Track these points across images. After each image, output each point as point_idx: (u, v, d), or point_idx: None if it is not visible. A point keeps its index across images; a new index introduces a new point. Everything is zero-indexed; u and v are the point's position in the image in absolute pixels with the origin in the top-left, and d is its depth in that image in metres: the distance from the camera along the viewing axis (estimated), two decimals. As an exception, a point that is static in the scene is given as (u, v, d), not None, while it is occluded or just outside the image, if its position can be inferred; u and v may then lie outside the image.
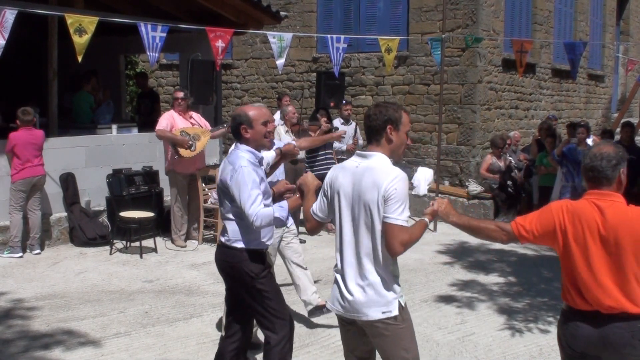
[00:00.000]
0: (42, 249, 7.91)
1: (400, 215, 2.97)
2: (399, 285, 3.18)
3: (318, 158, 9.12)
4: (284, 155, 4.60)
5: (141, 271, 7.21)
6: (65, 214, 8.41)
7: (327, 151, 9.20)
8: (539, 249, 8.30)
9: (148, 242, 8.02)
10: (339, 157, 9.49)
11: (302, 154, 8.86)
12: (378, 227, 3.02)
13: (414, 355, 3.15)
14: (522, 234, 3.05)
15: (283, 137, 7.97)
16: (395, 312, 3.07)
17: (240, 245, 3.70)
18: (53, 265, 7.41)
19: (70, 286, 6.59)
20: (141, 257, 7.74)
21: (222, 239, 3.80)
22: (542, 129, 10.72)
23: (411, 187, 10.88)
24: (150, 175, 8.98)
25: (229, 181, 3.66)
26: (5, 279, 6.78)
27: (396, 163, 3.19)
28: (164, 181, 8.89)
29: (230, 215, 3.74)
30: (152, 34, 7.65)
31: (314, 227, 3.39)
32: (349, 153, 9.59)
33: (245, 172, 3.61)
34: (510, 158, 10.46)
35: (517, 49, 10.13)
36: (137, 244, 7.92)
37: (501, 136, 10.75)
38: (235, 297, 3.85)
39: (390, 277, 3.12)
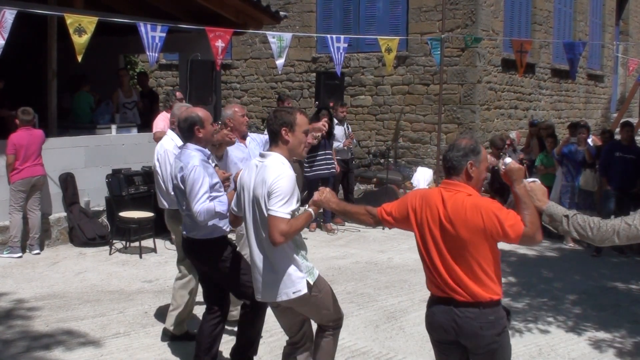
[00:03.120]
0: (41, 249, 7.91)
1: (280, 208, 3.26)
2: (304, 263, 3.47)
3: (317, 158, 9.12)
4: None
5: (140, 271, 7.20)
6: (65, 214, 8.41)
7: (326, 151, 9.20)
8: (540, 249, 8.31)
9: (147, 242, 8.02)
10: (337, 157, 9.49)
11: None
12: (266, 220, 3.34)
13: (336, 310, 3.63)
14: (384, 218, 3.23)
15: None
16: (305, 291, 3.42)
17: (206, 237, 4.07)
18: (52, 265, 7.40)
19: (70, 286, 6.58)
20: (140, 257, 7.73)
21: (187, 234, 4.16)
22: (541, 128, 10.72)
23: (411, 187, 10.89)
24: (149, 175, 8.95)
25: (180, 179, 3.99)
26: (4, 279, 6.78)
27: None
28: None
29: (185, 210, 4.08)
30: (152, 34, 7.65)
31: (231, 220, 3.85)
32: (344, 152, 9.61)
33: (197, 171, 3.92)
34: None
35: (517, 49, 10.14)
36: (136, 244, 7.92)
37: (501, 136, 10.75)
38: (209, 279, 4.25)
39: (290, 261, 3.41)
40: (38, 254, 7.78)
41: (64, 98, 10.16)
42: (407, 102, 11.79)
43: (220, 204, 3.96)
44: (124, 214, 8.00)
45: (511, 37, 11.49)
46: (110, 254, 7.90)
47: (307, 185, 9.22)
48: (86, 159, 8.77)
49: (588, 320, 5.73)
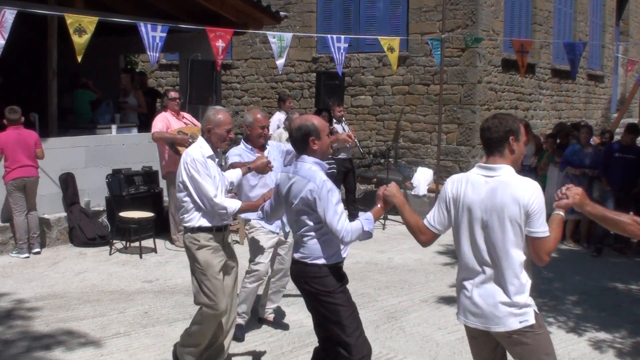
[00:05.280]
0: (41, 247, 7.92)
1: (544, 228, 2.99)
2: (531, 294, 3.12)
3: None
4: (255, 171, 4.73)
5: (141, 271, 7.21)
6: (65, 214, 8.41)
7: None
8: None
9: (147, 242, 8.02)
10: (338, 157, 9.50)
11: None
12: (515, 240, 3.01)
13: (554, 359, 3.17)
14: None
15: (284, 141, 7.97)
16: (532, 321, 3.06)
17: (321, 261, 3.57)
18: (53, 265, 7.41)
19: (70, 286, 6.59)
20: (141, 257, 7.73)
21: (298, 256, 3.64)
22: (559, 131, 10.65)
23: (411, 187, 10.89)
24: (149, 176, 8.97)
25: (310, 197, 3.50)
26: (5, 279, 6.78)
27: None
28: (163, 181, 8.89)
29: (310, 232, 3.58)
30: (152, 34, 7.65)
31: (430, 239, 3.32)
32: (344, 150, 9.62)
33: (329, 186, 3.52)
34: None
35: (517, 49, 10.13)
36: (136, 244, 7.92)
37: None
38: (313, 311, 3.74)
39: (523, 286, 3.07)
40: (39, 252, 7.79)
41: (63, 98, 10.16)
42: (408, 102, 11.78)
43: (368, 222, 3.55)
44: (124, 214, 8.00)
45: (511, 37, 11.48)
46: (110, 254, 7.90)
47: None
48: (86, 159, 8.77)
49: (588, 321, 5.74)
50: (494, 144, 3.11)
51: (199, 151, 4.27)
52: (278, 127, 9.60)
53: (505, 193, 3.01)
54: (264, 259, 5.13)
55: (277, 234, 5.19)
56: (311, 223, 3.56)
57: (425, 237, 3.31)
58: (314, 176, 3.52)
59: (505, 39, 11.64)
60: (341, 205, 3.52)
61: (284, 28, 12.03)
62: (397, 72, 11.60)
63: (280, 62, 8.99)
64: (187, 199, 4.30)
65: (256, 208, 4.30)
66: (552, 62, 13.89)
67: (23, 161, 7.59)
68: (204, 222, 4.28)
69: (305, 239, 3.60)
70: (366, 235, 3.54)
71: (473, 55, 11.08)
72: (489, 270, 3.07)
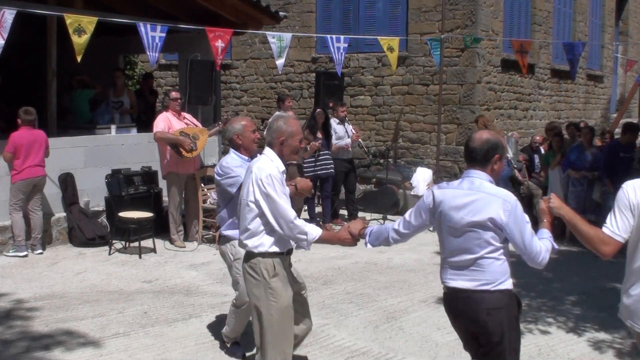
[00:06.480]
0: (43, 248, 7.91)
1: None
2: None
3: (319, 159, 9.14)
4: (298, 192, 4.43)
5: (140, 271, 7.20)
6: (64, 214, 8.41)
7: (326, 151, 9.23)
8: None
9: (147, 243, 8.02)
10: (339, 157, 9.49)
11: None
12: None
13: None
14: None
15: None
16: None
17: (505, 286, 3.27)
18: (52, 265, 7.40)
19: (69, 286, 6.58)
20: (140, 257, 7.73)
21: (474, 285, 3.25)
22: (548, 129, 10.69)
23: (410, 187, 10.89)
24: (149, 176, 8.97)
25: (502, 216, 3.19)
26: (4, 279, 6.78)
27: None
28: (162, 181, 8.88)
29: (494, 254, 3.24)
30: (152, 34, 7.66)
31: (614, 250, 3.17)
32: (346, 152, 9.62)
33: (520, 206, 3.25)
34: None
35: (517, 49, 10.14)
36: (136, 244, 7.91)
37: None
38: (473, 342, 3.36)
39: None
40: (41, 253, 7.78)
41: (63, 98, 10.16)
42: (407, 102, 11.79)
43: (551, 238, 3.32)
44: (124, 214, 8.00)
45: (511, 37, 11.50)
46: (109, 254, 7.90)
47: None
48: (86, 159, 8.76)
49: (588, 321, 5.74)
50: None
51: (273, 166, 3.72)
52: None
53: None
54: None
55: None
56: (497, 244, 3.24)
57: (609, 248, 3.13)
58: (505, 194, 3.25)
59: (504, 39, 11.65)
60: (530, 225, 3.25)
61: (283, 28, 12.03)
62: (396, 72, 11.61)
63: (279, 62, 8.99)
64: (257, 220, 3.71)
65: (338, 240, 3.85)
66: (552, 62, 13.91)
67: (33, 161, 7.62)
68: (276, 248, 3.74)
69: (485, 262, 3.24)
70: (553, 251, 3.33)
71: (472, 56, 11.08)
72: None
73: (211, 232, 8.55)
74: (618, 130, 13.18)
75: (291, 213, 3.68)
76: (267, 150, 3.82)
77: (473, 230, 3.24)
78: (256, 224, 3.71)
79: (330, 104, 10.03)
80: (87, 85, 10.39)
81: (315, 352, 4.97)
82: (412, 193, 10.77)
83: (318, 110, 9.37)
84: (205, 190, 8.61)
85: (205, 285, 6.69)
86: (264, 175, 3.65)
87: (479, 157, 3.34)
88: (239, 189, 4.18)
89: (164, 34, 7.76)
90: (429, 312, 5.92)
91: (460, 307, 3.32)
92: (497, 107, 11.91)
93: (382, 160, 11.76)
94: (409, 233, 3.56)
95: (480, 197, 3.25)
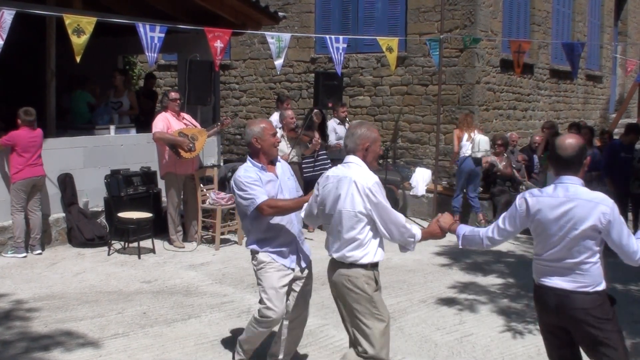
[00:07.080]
0: (42, 249, 7.91)
1: None
2: None
3: (319, 159, 9.14)
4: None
5: (139, 272, 7.20)
6: (63, 214, 8.40)
7: (325, 152, 9.23)
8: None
9: (146, 243, 8.02)
10: (338, 157, 9.50)
11: (296, 158, 8.87)
12: None
13: None
14: None
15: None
16: None
17: (601, 287, 3.35)
18: (51, 266, 7.40)
19: (69, 287, 6.58)
20: (139, 257, 7.73)
21: (574, 287, 3.34)
22: (545, 128, 10.70)
23: (409, 187, 10.89)
24: (148, 176, 8.97)
25: (602, 220, 3.26)
26: (3, 279, 6.78)
27: None
28: (162, 182, 8.88)
29: (591, 258, 3.33)
30: (151, 34, 7.65)
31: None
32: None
33: (615, 207, 3.32)
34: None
35: (515, 50, 10.15)
36: (135, 244, 7.91)
37: (501, 136, 10.74)
38: (586, 340, 3.43)
39: None
40: (40, 254, 7.78)
41: (62, 98, 10.15)
42: (406, 102, 11.79)
43: None
44: (123, 214, 8.00)
45: (510, 37, 11.50)
46: (108, 254, 7.90)
47: (304, 187, 9.23)
48: (85, 160, 8.76)
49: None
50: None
51: (370, 173, 3.72)
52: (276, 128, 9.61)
53: None
54: (278, 303, 4.17)
55: (293, 269, 4.32)
56: (596, 248, 3.33)
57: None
58: (602, 198, 3.31)
59: (503, 40, 11.66)
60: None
61: (282, 28, 12.03)
62: (395, 73, 11.61)
63: (278, 62, 8.98)
64: (365, 229, 3.68)
65: (431, 235, 3.89)
66: (551, 63, 13.91)
67: (33, 160, 7.64)
68: (380, 257, 3.75)
69: (585, 266, 3.33)
70: None
71: (471, 56, 11.09)
72: None
73: (210, 233, 8.55)
74: (617, 130, 13.20)
75: (402, 217, 3.72)
76: (353, 158, 3.78)
77: (574, 239, 3.31)
78: (364, 234, 3.68)
79: (330, 105, 10.03)
80: (90, 92, 10.37)
81: (314, 352, 4.97)
82: (411, 193, 10.78)
83: (315, 110, 9.38)
84: (205, 190, 8.61)
85: (205, 285, 6.69)
86: (371, 183, 3.64)
87: (575, 163, 3.40)
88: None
89: (163, 35, 7.76)
90: (429, 312, 5.92)
91: (556, 304, 3.38)
92: (496, 107, 11.91)
93: (381, 161, 11.76)
94: (503, 240, 3.65)
95: (578, 204, 3.30)
